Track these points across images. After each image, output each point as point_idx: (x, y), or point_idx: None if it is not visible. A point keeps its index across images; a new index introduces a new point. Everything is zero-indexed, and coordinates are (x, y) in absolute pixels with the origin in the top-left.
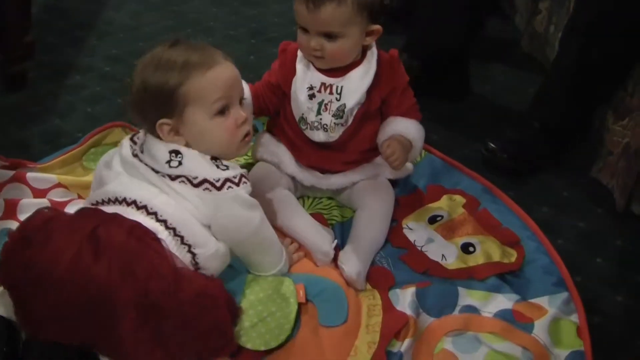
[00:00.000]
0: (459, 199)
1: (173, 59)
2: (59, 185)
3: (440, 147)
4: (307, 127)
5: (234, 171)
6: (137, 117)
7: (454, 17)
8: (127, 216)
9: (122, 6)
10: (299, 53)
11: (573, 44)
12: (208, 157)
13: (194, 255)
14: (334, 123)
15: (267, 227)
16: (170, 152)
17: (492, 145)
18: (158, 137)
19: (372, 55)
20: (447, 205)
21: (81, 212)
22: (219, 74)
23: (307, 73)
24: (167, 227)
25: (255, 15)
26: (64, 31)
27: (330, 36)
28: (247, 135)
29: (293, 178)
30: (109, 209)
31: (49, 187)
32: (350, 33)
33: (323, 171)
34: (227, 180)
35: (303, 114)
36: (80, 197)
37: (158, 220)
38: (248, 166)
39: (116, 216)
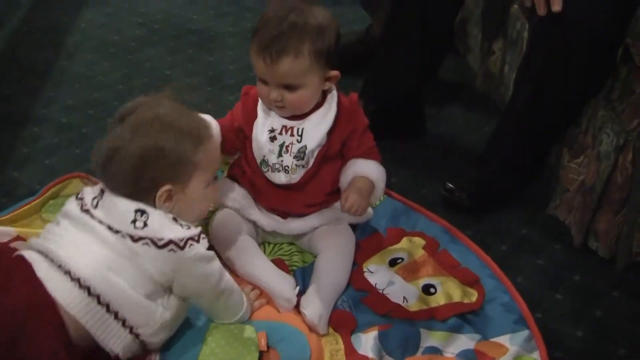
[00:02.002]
0: (419, 240)
1: (187, 124)
2: (17, 238)
3: (399, 189)
4: (268, 170)
5: (195, 229)
6: (116, 181)
7: (407, 61)
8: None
9: (76, 55)
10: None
11: (526, 85)
12: (170, 217)
13: (136, 335)
14: (295, 165)
15: (227, 277)
16: (136, 211)
17: (450, 185)
18: (126, 197)
19: (332, 98)
20: (407, 247)
21: None
22: (213, 144)
23: (268, 117)
24: (90, 294)
25: (212, 63)
26: (19, 81)
27: (290, 87)
28: None
29: (254, 223)
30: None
31: (7, 240)
32: (310, 82)
33: (284, 215)
34: (189, 239)
35: (264, 156)
36: None
37: (81, 286)
38: (209, 213)
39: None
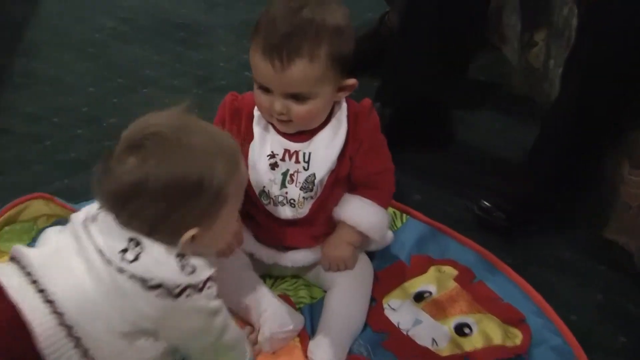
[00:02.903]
0: (450, 270)
1: (221, 147)
2: None
3: (425, 209)
4: (269, 202)
5: (200, 275)
6: (132, 221)
7: (430, 55)
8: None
9: (38, 54)
10: (256, 112)
11: (574, 80)
12: (175, 253)
13: None
14: (303, 197)
15: (231, 330)
16: (130, 240)
17: (486, 203)
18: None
19: (341, 111)
20: (435, 278)
21: None
22: (243, 170)
23: (267, 137)
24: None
25: (201, 61)
26: None
27: (298, 97)
28: None
29: (251, 255)
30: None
31: None
32: (322, 92)
33: (287, 248)
34: (187, 287)
35: (264, 186)
36: None
37: (54, 312)
38: None
39: None
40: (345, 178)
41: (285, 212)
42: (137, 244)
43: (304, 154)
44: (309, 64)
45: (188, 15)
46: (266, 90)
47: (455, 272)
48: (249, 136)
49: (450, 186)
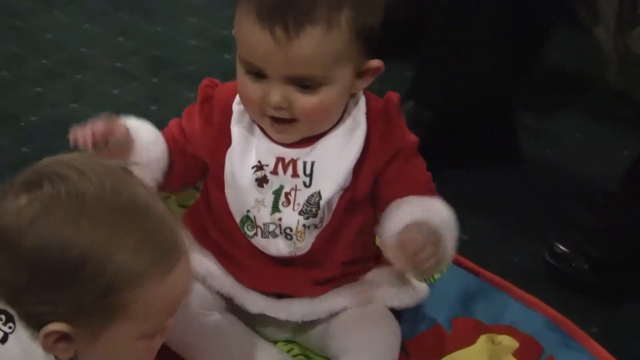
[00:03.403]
0: (507, 341)
1: (142, 227)
2: None
3: (473, 252)
4: (256, 233)
5: None
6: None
7: (490, 38)
8: None
9: None
10: (237, 106)
11: None
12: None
13: None
14: (303, 225)
15: None
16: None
17: (561, 247)
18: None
19: (358, 107)
20: (487, 352)
21: None
22: (178, 280)
23: (251, 140)
24: None
25: (158, 35)
26: None
27: (305, 84)
28: None
29: (229, 300)
30: None
31: None
32: (339, 77)
33: (279, 294)
34: None
35: (249, 210)
36: None
37: None
38: None
39: None
40: (363, 202)
41: (278, 247)
42: (9, 318)
43: (305, 163)
44: (325, 34)
45: None
46: (258, 75)
47: (515, 345)
48: (224, 139)
49: (512, 221)
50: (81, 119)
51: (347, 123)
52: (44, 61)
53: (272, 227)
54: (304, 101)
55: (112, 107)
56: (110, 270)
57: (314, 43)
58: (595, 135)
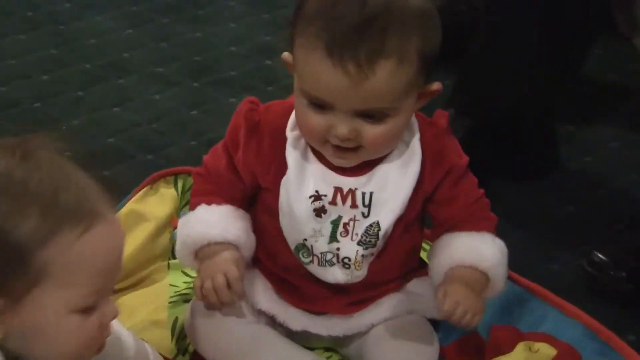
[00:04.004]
0: (545, 349)
1: (34, 185)
2: None
3: (514, 262)
4: (311, 261)
5: None
6: None
7: (533, 47)
8: None
9: None
10: (290, 133)
11: None
12: None
13: None
14: (362, 255)
15: None
16: None
17: (601, 256)
18: None
19: (412, 130)
20: (525, 359)
21: None
22: (97, 243)
23: (307, 168)
24: None
25: (199, 40)
26: None
27: (373, 115)
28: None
29: (272, 318)
30: None
31: None
32: (406, 105)
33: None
34: None
35: (305, 239)
36: None
37: None
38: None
39: None
40: (416, 222)
41: (335, 275)
42: None
43: (363, 194)
44: (397, 67)
45: None
46: (322, 106)
47: (553, 352)
48: (278, 167)
49: (551, 232)
50: (122, 123)
51: (402, 150)
52: (86, 65)
53: (329, 256)
54: (372, 131)
55: (153, 112)
56: (16, 232)
57: (387, 78)
58: (634, 145)
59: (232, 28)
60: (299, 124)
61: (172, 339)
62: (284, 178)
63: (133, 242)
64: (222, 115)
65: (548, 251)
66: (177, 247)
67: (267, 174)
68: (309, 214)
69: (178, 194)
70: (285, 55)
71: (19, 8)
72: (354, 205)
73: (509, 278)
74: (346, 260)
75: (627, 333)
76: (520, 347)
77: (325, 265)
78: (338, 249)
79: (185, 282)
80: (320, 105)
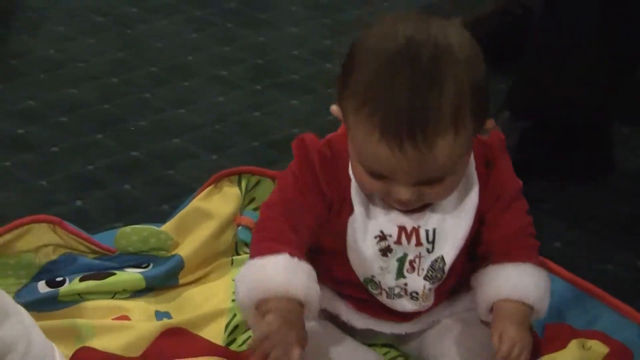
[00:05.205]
0: (598, 346)
1: None
2: None
3: (567, 261)
4: (379, 293)
5: None
6: None
7: (587, 49)
8: None
9: (41, 28)
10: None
11: None
12: None
13: None
14: (429, 288)
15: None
16: None
17: None
18: None
19: (470, 161)
20: (577, 357)
21: None
22: None
23: (371, 209)
24: None
25: (261, 44)
26: None
27: (434, 181)
28: None
29: (335, 317)
30: None
31: None
32: (465, 160)
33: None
34: None
35: (373, 276)
36: None
37: None
38: None
39: None
40: (471, 241)
41: (404, 306)
42: None
43: (427, 232)
44: (454, 140)
45: None
46: (381, 176)
47: (605, 350)
48: (345, 206)
49: (606, 232)
50: (186, 124)
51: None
52: (152, 68)
53: (397, 290)
54: (433, 192)
55: (216, 114)
56: None
57: (445, 153)
58: None
59: (293, 32)
60: (357, 182)
61: (225, 330)
62: (351, 217)
63: (198, 239)
64: (283, 116)
65: (603, 252)
66: (238, 294)
67: (336, 214)
68: (375, 253)
69: (242, 193)
70: (334, 109)
71: (88, 13)
72: (418, 244)
73: (564, 278)
74: (414, 294)
75: None
76: (573, 344)
77: (393, 298)
78: (405, 284)
79: None
80: (379, 175)
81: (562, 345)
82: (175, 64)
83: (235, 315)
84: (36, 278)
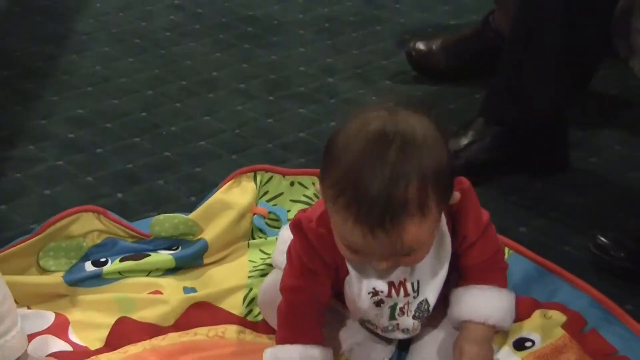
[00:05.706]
0: (557, 316)
1: None
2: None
3: (531, 244)
4: (376, 328)
5: None
6: None
7: (550, 64)
8: None
9: (88, 48)
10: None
11: None
12: None
13: None
14: (418, 324)
15: None
16: None
17: (604, 239)
18: None
19: (441, 219)
20: (540, 325)
21: None
22: None
23: (365, 272)
24: None
25: (274, 62)
26: (9, 83)
27: (406, 252)
28: None
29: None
30: None
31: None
32: (434, 235)
33: None
34: None
35: (369, 320)
36: (29, 308)
37: None
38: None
39: None
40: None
41: (397, 336)
42: None
43: (412, 284)
44: (421, 221)
45: (259, 6)
46: (359, 251)
47: (563, 318)
48: (343, 267)
49: (564, 219)
50: (212, 129)
51: (435, 237)
52: (183, 82)
53: (390, 328)
54: (407, 260)
55: (236, 121)
56: None
57: (414, 233)
58: (633, 148)
59: (301, 52)
60: (340, 250)
61: (243, 302)
62: (347, 277)
63: (219, 226)
64: (292, 123)
65: (562, 236)
66: None
67: (336, 273)
68: (369, 305)
69: (257, 187)
70: (318, 187)
71: (129, 36)
72: (406, 294)
73: (530, 258)
74: (405, 330)
75: (626, 303)
76: (536, 314)
77: (387, 332)
78: (397, 324)
79: (261, 259)
80: (356, 251)
81: (528, 315)
82: (202, 79)
83: (251, 289)
84: (84, 259)
